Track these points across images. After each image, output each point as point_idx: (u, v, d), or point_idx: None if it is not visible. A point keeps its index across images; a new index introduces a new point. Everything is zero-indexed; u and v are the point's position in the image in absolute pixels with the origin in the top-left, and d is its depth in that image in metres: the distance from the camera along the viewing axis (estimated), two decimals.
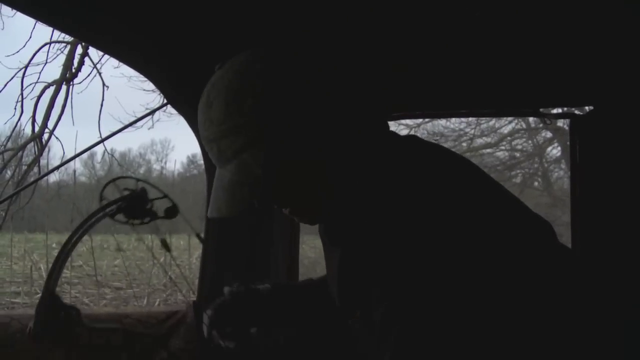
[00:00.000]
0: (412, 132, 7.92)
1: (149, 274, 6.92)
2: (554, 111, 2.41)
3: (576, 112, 1.99)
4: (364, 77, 1.09)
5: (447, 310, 0.86)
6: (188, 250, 7.83)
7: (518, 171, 8.56)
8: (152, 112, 2.55)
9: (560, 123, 7.39)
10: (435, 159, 1.04)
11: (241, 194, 0.98)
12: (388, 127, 1.12)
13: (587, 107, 2.07)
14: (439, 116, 3.66)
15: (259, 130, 0.95)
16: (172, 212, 1.32)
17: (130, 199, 1.31)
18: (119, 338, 1.58)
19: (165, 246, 1.33)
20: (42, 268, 6.98)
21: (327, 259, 1.17)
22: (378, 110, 1.10)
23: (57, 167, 2.61)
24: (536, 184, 8.90)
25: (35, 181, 4.45)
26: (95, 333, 1.57)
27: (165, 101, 1.85)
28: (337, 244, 1.05)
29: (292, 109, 0.94)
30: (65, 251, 1.43)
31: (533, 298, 0.91)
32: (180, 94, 1.67)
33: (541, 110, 1.98)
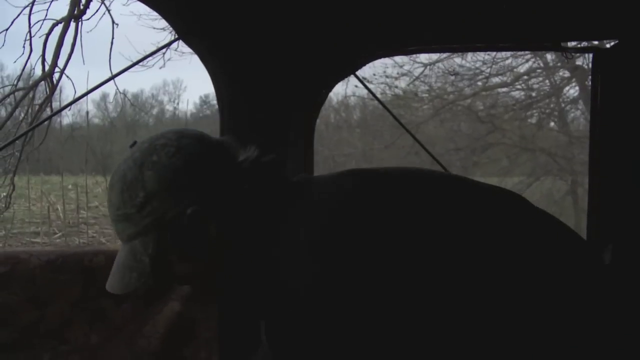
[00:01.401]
0: (427, 70, 7.81)
1: None
2: (576, 45, 2.33)
3: (599, 46, 1.92)
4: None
5: None
6: None
7: (534, 111, 8.43)
8: (164, 47, 2.51)
9: (580, 62, 7.21)
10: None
11: (129, 278, 1.01)
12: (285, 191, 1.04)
13: (611, 41, 2.00)
14: (456, 50, 3.57)
15: (149, 222, 0.98)
16: None
17: None
18: None
19: None
20: (59, 209, 7.10)
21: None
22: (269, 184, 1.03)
23: (70, 104, 2.61)
24: (552, 124, 8.78)
25: (48, 118, 4.43)
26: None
27: (176, 36, 1.81)
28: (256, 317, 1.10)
29: (181, 202, 0.97)
30: None
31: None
32: (191, 28, 1.63)
33: (562, 44, 1.92)
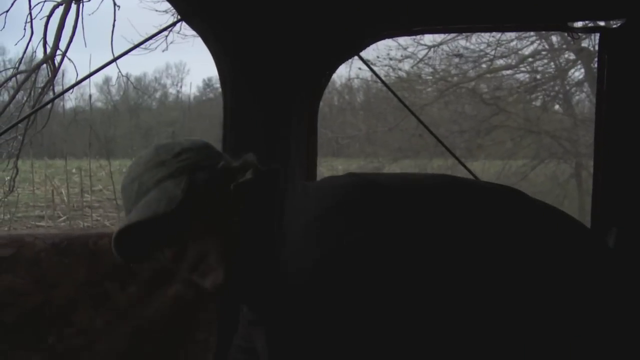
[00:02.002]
0: (432, 52, 7.75)
1: None
2: (582, 26, 2.30)
3: (606, 26, 1.89)
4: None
5: None
6: None
7: (538, 93, 8.36)
8: (167, 29, 2.49)
9: (585, 44, 7.14)
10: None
11: (157, 205, 0.99)
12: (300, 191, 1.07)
13: (618, 21, 1.97)
14: (460, 31, 3.54)
15: (182, 166, 1.02)
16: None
17: None
18: None
19: None
20: (63, 193, 7.12)
21: (253, 336, 1.17)
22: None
23: (72, 87, 2.59)
24: (557, 106, 8.73)
25: (51, 101, 4.42)
26: None
27: (178, 18, 1.79)
28: (260, 323, 1.08)
29: (213, 158, 1.05)
30: None
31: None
32: (193, 10, 1.62)
33: (568, 24, 1.89)
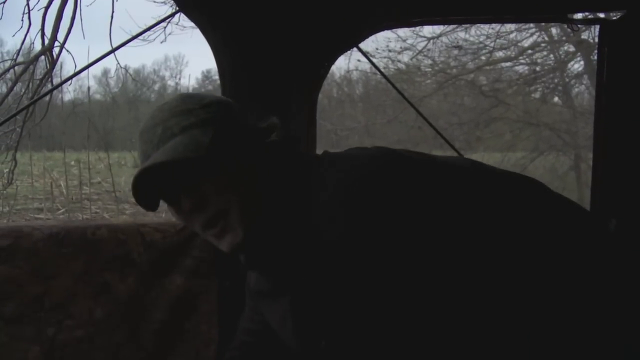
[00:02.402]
0: (431, 44, 7.73)
1: None
2: (582, 17, 2.30)
3: (606, 17, 1.89)
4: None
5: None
6: None
7: (538, 85, 8.35)
8: (165, 20, 2.48)
9: (585, 36, 7.12)
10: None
11: (184, 149, 0.96)
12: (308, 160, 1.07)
13: (618, 13, 1.96)
14: (460, 22, 3.53)
15: (209, 117, 0.99)
16: None
17: None
18: (139, 247, 1.61)
19: None
20: (62, 185, 7.11)
21: (266, 311, 1.15)
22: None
23: (70, 77, 2.58)
24: (556, 98, 8.72)
25: (49, 92, 4.40)
26: (115, 242, 1.60)
27: (176, 9, 1.79)
28: (284, 292, 1.04)
29: (240, 114, 1.03)
30: None
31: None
32: (192, 0, 1.61)
33: (568, 15, 1.89)
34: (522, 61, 8.18)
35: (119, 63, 5.92)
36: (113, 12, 4.97)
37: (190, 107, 1.00)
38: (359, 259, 0.90)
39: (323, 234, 0.92)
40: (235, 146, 0.98)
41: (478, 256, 0.91)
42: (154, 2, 5.88)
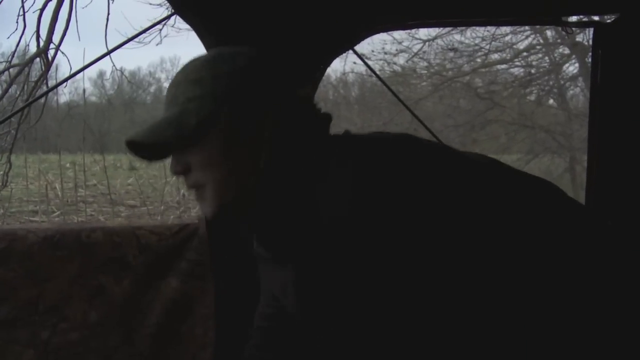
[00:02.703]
0: (426, 46, 7.75)
1: (162, 191, 7.02)
2: (576, 20, 2.31)
3: (600, 20, 1.90)
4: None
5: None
6: None
7: (533, 88, 8.37)
8: (160, 22, 2.47)
9: (580, 38, 7.14)
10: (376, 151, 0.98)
11: (188, 116, 0.98)
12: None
13: (611, 16, 1.97)
14: (455, 25, 3.53)
15: (222, 90, 0.99)
16: None
17: None
18: (134, 250, 1.61)
19: None
20: (57, 188, 7.09)
21: (268, 276, 1.15)
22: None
23: (66, 80, 2.58)
24: (551, 101, 8.73)
25: (45, 94, 4.38)
26: (110, 245, 1.60)
27: (172, 11, 1.78)
28: (286, 261, 1.04)
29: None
30: None
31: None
32: (187, 3, 1.61)
33: (562, 19, 1.89)
34: (517, 63, 8.21)
35: (114, 65, 5.93)
36: (109, 14, 4.97)
37: (203, 75, 1.00)
38: (361, 240, 0.89)
39: (329, 210, 0.92)
40: (233, 122, 0.98)
41: (483, 252, 0.91)
42: (150, 4, 5.89)
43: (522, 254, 0.92)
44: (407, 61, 7.99)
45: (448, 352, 0.94)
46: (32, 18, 4.86)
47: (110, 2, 4.93)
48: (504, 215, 0.93)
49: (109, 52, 1.77)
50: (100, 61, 1.76)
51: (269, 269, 1.13)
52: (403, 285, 0.91)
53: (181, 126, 0.97)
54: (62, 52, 4.85)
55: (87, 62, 1.76)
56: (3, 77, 5.23)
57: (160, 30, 5.58)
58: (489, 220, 0.92)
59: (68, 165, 7.47)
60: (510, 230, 0.92)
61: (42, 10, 4.72)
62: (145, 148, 1.02)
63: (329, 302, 0.98)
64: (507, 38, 7.75)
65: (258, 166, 0.98)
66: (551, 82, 8.40)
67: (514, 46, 7.99)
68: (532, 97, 8.47)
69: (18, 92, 5.07)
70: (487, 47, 7.70)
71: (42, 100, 5.18)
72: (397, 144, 0.97)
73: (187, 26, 1.76)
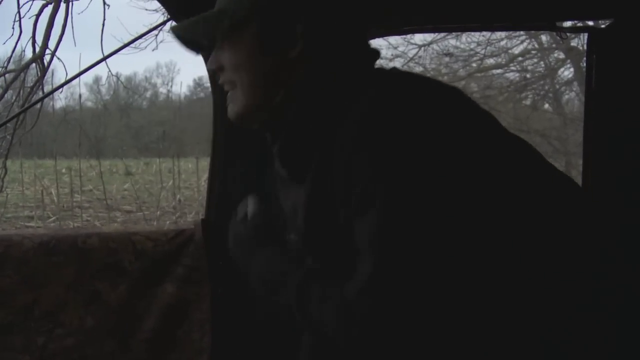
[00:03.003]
0: (422, 51, 7.76)
1: (158, 197, 7.01)
2: (571, 25, 2.32)
3: (594, 25, 1.91)
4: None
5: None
6: (196, 173, 7.89)
7: (528, 92, 8.40)
8: (156, 28, 2.48)
9: (575, 43, 7.18)
10: (418, 86, 0.99)
11: (217, 20, 1.01)
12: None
13: (606, 21, 1.98)
14: (450, 30, 3.55)
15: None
16: None
17: None
18: (130, 255, 1.61)
19: None
20: (53, 193, 7.08)
21: (281, 196, 1.12)
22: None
23: (62, 85, 2.58)
24: (547, 105, 8.76)
25: (40, 100, 4.37)
26: (106, 251, 1.59)
27: (168, 17, 1.79)
28: (300, 179, 1.01)
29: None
30: None
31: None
32: (183, 8, 1.61)
33: (557, 24, 1.90)
34: (512, 68, 8.24)
35: (110, 71, 5.94)
36: (104, 19, 4.97)
37: None
38: (380, 161, 0.86)
39: (353, 125, 0.90)
40: (270, 29, 0.99)
41: (492, 234, 0.89)
42: (146, 10, 5.92)
43: (530, 241, 0.92)
44: (402, 66, 8.01)
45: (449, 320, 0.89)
46: (28, 24, 4.87)
47: (106, 7, 4.93)
48: (520, 199, 0.94)
49: (105, 58, 1.77)
50: (97, 67, 1.76)
51: (285, 189, 1.10)
52: (418, 220, 0.85)
53: (216, 24, 1.02)
54: (58, 58, 4.86)
55: (83, 67, 1.77)
56: None
57: (156, 35, 5.59)
58: (506, 199, 0.92)
59: (64, 170, 7.46)
60: (522, 215, 0.93)
61: (38, 16, 4.73)
62: (183, 43, 1.08)
63: (337, 224, 0.93)
64: (503, 43, 7.78)
65: (289, 81, 0.99)
66: (546, 87, 8.44)
67: (509, 51, 8.02)
68: (528, 102, 8.50)
69: (14, 98, 5.07)
70: (483, 52, 7.74)
71: (38, 105, 5.18)
72: (447, 91, 0.98)
73: None
